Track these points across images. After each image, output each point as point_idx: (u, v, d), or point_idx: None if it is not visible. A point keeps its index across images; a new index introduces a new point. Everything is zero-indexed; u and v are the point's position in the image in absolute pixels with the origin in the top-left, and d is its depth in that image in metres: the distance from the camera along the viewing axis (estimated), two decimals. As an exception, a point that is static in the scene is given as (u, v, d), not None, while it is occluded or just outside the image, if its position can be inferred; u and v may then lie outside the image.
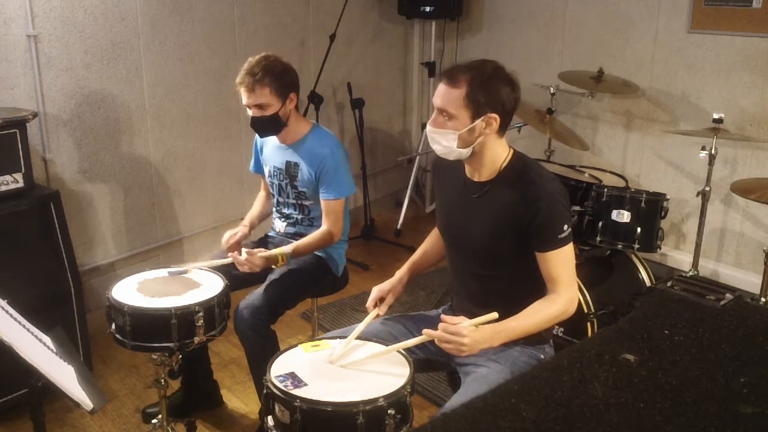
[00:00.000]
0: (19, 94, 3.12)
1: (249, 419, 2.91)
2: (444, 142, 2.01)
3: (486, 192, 2.08)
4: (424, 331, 1.94)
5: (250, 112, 2.64)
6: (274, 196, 2.90)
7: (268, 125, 2.67)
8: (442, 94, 2.00)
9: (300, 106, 2.82)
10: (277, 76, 2.60)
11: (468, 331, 1.89)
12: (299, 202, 2.81)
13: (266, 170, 2.89)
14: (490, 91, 1.96)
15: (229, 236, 2.74)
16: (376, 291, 2.26)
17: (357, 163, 4.61)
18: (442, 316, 1.95)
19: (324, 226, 2.72)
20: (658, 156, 4.03)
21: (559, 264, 2.00)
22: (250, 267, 2.52)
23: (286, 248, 2.62)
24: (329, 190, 2.70)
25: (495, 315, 1.91)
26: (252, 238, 2.99)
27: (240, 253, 2.53)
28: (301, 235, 2.78)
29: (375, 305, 2.24)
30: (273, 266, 2.60)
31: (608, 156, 4.25)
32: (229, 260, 2.57)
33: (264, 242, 2.94)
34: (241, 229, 2.79)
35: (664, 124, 3.95)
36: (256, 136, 2.91)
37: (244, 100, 2.61)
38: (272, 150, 2.83)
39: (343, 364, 1.95)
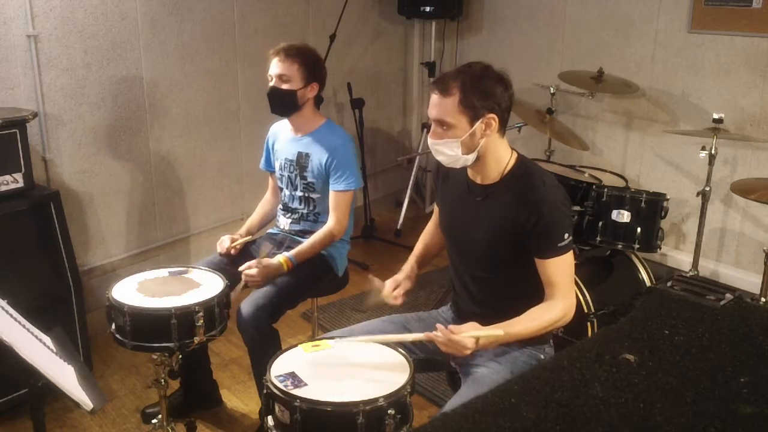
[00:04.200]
0: (19, 94, 3.12)
1: (249, 419, 2.91)
2: (448, 152, 2.00)
3: (489, 195, 2.07)
4: (430, 334, 1.93)
5: (271, 84, 2.70)
6: (282, 189, 2.91)
7: (281, 100, 2.70)
8: (437, 104, 1.98)
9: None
10: (308, 60, 2.70)
11: (472, 343, 1.89)
12: (306, 194, 2.82)
13: (277, 165, 2.90)
14: (484, 92, 1.95)
15: (229, 240, 2.78)
16: (391, 282, 2.24)
17: (357, 163, 4.61)
18: (450, 327, 1.91)
19: (329, 222, 2.74)
20: (658, 156, 4.03)
21: (557, 271, 1.99)
22: (259, 285, 2.58)
23: (289, 254, 2.65)
24: (339, 181, 2.72)
25: (500, 332, 1.91)
26: (254, 237, 2.99)
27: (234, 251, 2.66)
28: (305, 232, 2.80)
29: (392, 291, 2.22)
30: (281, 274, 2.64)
31: (608, 156, 4.25)
32: (241, 285, 2.60)
33: (266, 239, 2.94)
34: (240, 238, 2.83)
35: (664, 124, 3.95)
36: (268, 134, 2.94)
37: (271, 69, 2.69)
38: (285, 143, 2.86)
39: (344, 355, 1.96)
